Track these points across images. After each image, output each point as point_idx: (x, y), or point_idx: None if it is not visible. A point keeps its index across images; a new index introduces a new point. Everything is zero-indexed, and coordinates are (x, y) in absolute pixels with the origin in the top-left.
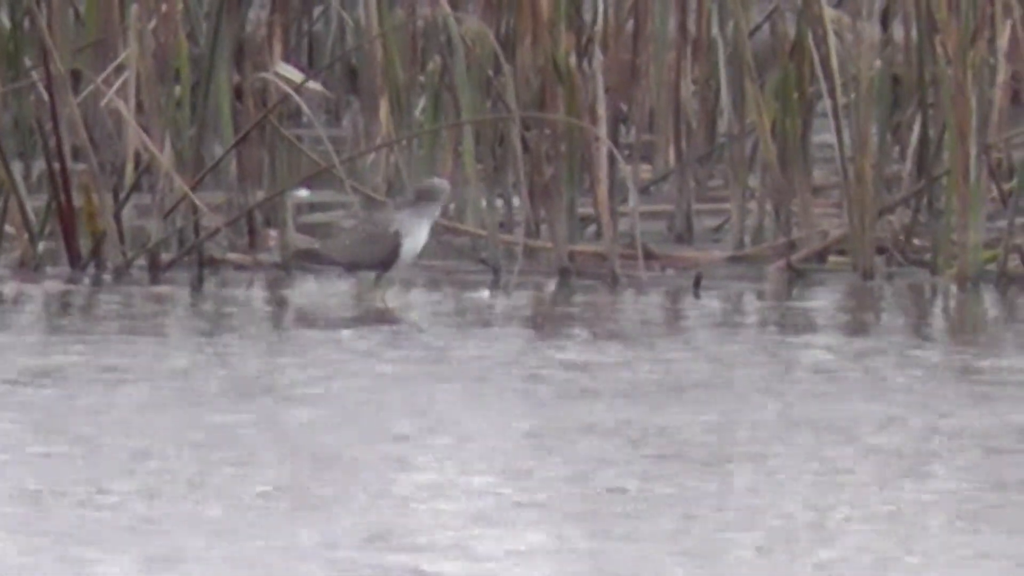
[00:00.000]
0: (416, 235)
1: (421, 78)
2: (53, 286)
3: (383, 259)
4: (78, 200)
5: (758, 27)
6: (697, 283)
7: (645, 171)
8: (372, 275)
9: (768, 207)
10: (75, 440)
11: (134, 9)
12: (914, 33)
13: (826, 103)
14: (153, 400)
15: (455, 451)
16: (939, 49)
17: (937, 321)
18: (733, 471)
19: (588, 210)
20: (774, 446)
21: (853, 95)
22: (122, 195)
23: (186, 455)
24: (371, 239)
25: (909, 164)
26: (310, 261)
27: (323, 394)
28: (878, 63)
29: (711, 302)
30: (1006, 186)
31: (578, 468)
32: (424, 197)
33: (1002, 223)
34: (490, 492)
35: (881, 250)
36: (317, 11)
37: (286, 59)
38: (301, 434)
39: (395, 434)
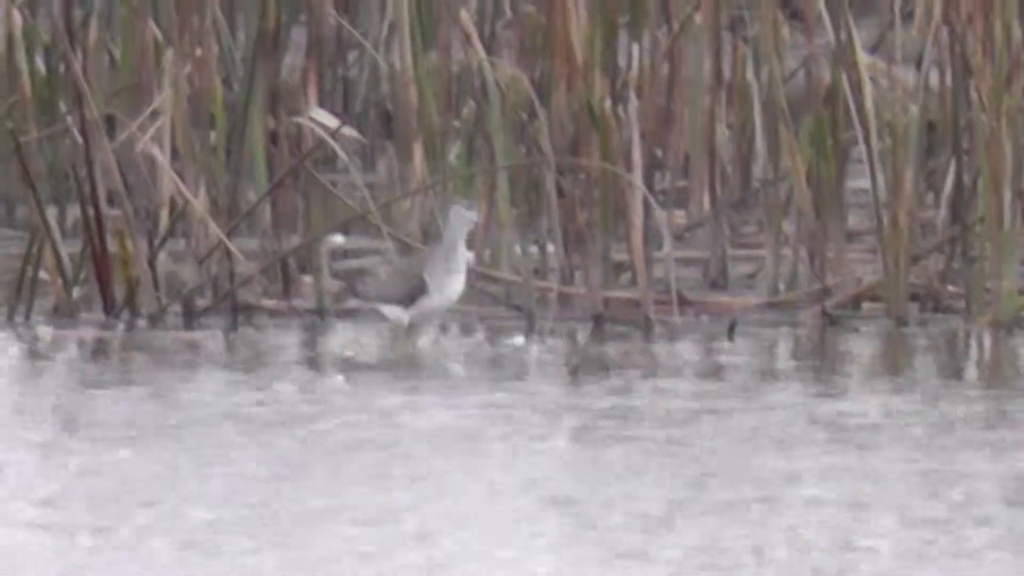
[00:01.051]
0: (446, 276)
1: (456, 123)
2: (88, 332)
3: (409, 293)
4: (113, 246)
5: (793, 73)
6: (731, 329)
7: (680, 217)
8: (405, 320)
9: (802, 253)
10: (109, 496)
11: (169, 54)
12: (949, 79)
13: (861, 149)
14: (185, 452)
15: (488, 506)
16: (974, 95)
17: (971, 367)
18: (767, 519)
19: (622, 256)
20: (809, 490)
21: (888, 141)
22: (157, 241)
23: (223, 507)
24: (398, 274)
25: (943, 210)
26: (343, 298)
27: (355, 445)
28: (913, 109)
29: (745, 348)
30: None
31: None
32: (449, 222)
33: None
34: (525, 551)
35: (915, 296)
36: (352, 56)
37: (321, 104)
38: (330, 487)
39: (434, 482)
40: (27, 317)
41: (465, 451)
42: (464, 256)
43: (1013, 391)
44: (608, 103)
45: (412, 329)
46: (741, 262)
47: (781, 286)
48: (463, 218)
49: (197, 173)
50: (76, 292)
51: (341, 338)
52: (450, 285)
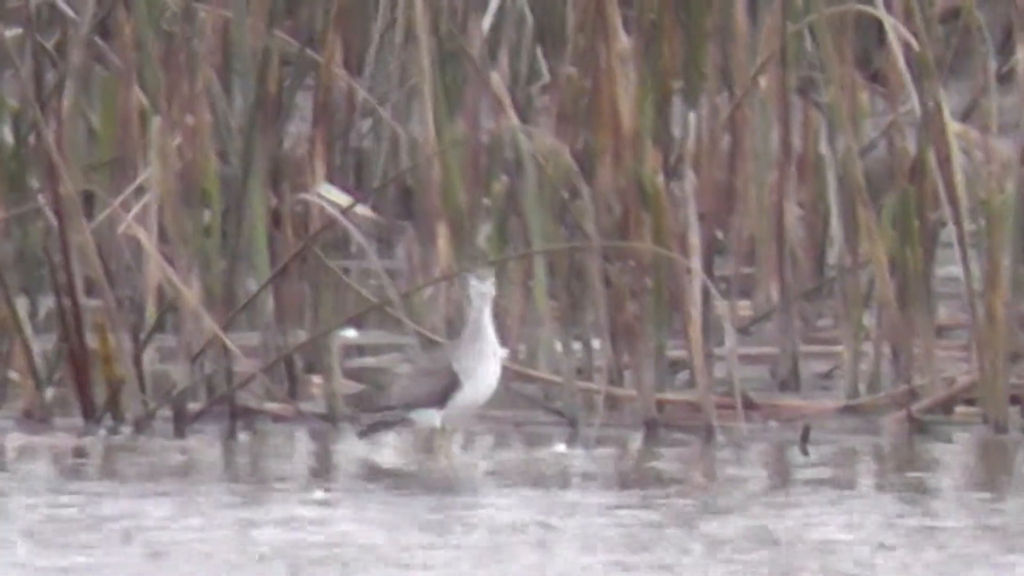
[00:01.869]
0: (479, 363)
1: (485, 201)
2: (63, 440)
3: (441, 392)
4: (92, 342)
5: (872, 144)
6: (804, 437)
7: (744, 308)
8: (437, 423)
9: (885, 350)
10: None
11: (156, 122)
12: None
13: (951, 231)
14: None
15: None
16: None
17: None
18: None
19: (679, 353)
20: None
21: (982, 222)
22: (143, 336)
23: None
24: (425, 373)
25: None
26: (361, 409)
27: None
28: (1010, 185)
29: (821, 459)
30: None
31: None
32: (470, 299)
33: None
34: None
35: (1016, 399)
36: (366, 124)
37: (330, 179)
38: None
39: None
40: None
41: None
42: (493, 336)
43: None
44: (661, 178)
45: (443, 434)
46: (815, 360)
47: (861, 387)
48: (479, 293)
49: (189, 258)
50: (50, 394)
51: (355, 447)
52: (485, 373)
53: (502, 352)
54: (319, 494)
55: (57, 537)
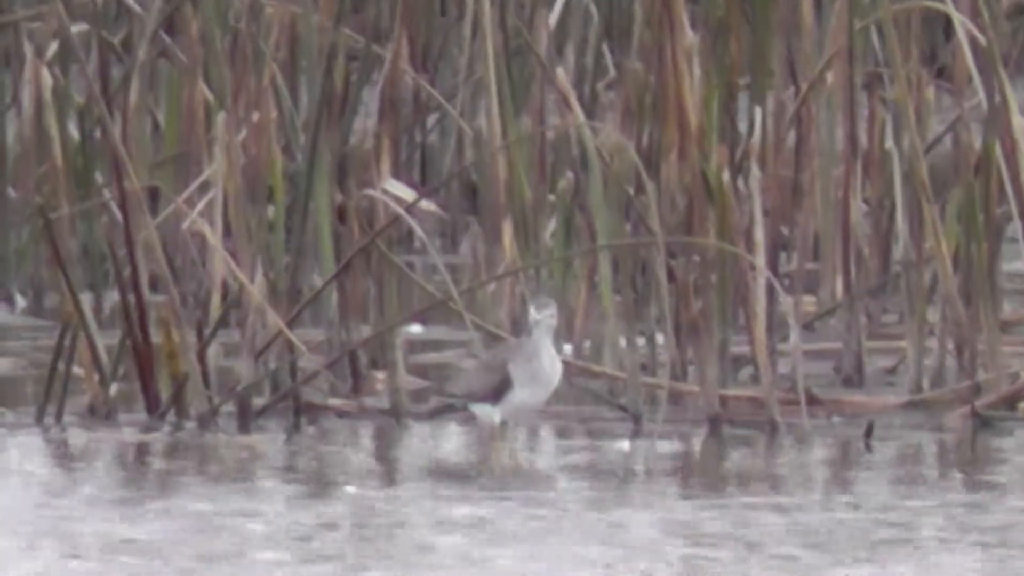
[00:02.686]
0: (533, 370)
1: (551, 197)
2: (127, 436)
3: (496, 388)
4: (156, 337)
5: (938, 139)
6: (868, 433)
7: (809, 304)
8: (496, 419)
9: (950, 345)
10: None
11: (221, 118)
12: None
13: (1017, 226)
14: None
15: None
16: None
17: None
18: None
19: (743, 349)
20: None
21: None
22: (207, 332)
23: None
24: (483, 368)
25: None
26: (425, 399)
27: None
28: None
29: (885, 455)
30: None
31: None
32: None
33: None
34: None
35: None
36: (431, 120)
37: (396, 175)
38: None
39: None
40: (58, 419)
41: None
42: (552, 354)
43: None
44: (726, 174)
45: (503, 430)
46: (879, 355)
47: (925, 383)
48: (537, 323)
49: (253, 254)
50: (114, 390)
51: (420, 443)
52: (539, 379)
53: (566, 350)
54: (350, 489)
55: (122, 532)
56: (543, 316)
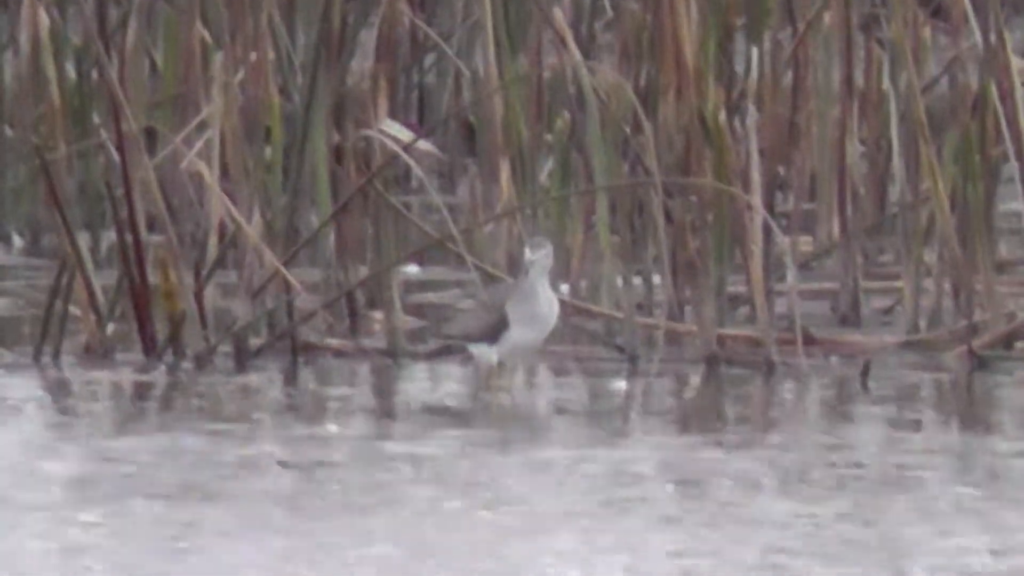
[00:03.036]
0: (530, 309)
1: (548, 137)
2: (124, 375)
3: (492, 329)
4: (154, 277)
5: (935, 80)
6: (865, 372)
7: (805, 244)
8: (494, 359)
9: (946, 286)
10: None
11: (218, 59)
12: None
13: (1013, 166)
14: (242, 523)
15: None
16: None
17: None
18: None
19: (739, 289)
20: (964, 560)
21: None
22: (204, 272)
23: None
24: (480, 308)
25: None
26: (422, 339)
27: (437, 509)
28: None
29: (882, 394)
30: None
31: None
32: (526, 269)
33: None
34: None
35: None
36: (428, 60)
37: (393, 115)
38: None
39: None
40: (55, 357)
41: (556, 521)
42: (549, 295)
43: None
44: (723, 115)
45: (501, 370)
46: (876, 296)
47: (922, 323)
48: (533, 263)
49: (250, 194)
50: (111, 329)
51: (417, 383)
52: (535, 319)
53: (563, 290)
54: (331, 427)
55: (119, 469)
56: (538, 256)
